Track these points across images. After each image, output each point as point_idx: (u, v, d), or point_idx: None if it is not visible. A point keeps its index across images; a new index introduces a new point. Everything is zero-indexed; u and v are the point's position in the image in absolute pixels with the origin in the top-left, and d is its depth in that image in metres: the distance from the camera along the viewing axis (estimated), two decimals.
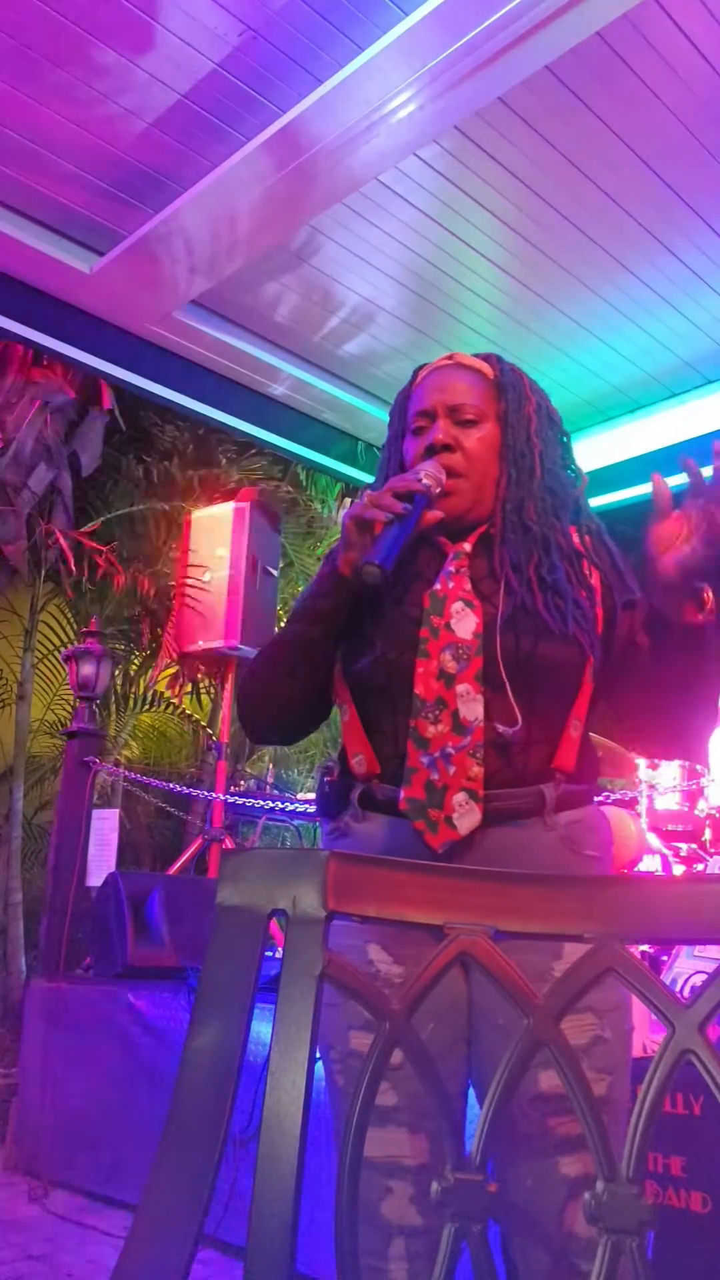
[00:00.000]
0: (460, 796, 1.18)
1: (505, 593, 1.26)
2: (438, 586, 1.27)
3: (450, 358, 1.42)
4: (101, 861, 3.95)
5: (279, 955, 0.70)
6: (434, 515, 1.27)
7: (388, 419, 1.48)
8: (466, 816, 1.18)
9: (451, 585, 1.27)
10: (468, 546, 1.32)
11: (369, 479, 4.49)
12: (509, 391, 1.38)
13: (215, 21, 2.50)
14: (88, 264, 3.31)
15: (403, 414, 1.42)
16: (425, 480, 1.25)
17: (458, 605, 1.25)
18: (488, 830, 1.19)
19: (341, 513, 7.16)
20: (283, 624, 1.39)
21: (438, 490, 1.27)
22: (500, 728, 1.21)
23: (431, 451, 1.32)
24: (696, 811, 3.54)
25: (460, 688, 1.21)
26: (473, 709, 1.21)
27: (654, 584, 1.20)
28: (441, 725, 1.20)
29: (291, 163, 2.79)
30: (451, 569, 1.29)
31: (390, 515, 1.20)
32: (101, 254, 3.30)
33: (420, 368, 1.44)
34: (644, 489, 4.46)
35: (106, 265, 3.29)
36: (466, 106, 2.63)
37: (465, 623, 1.24)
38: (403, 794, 1.20)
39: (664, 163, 2.93)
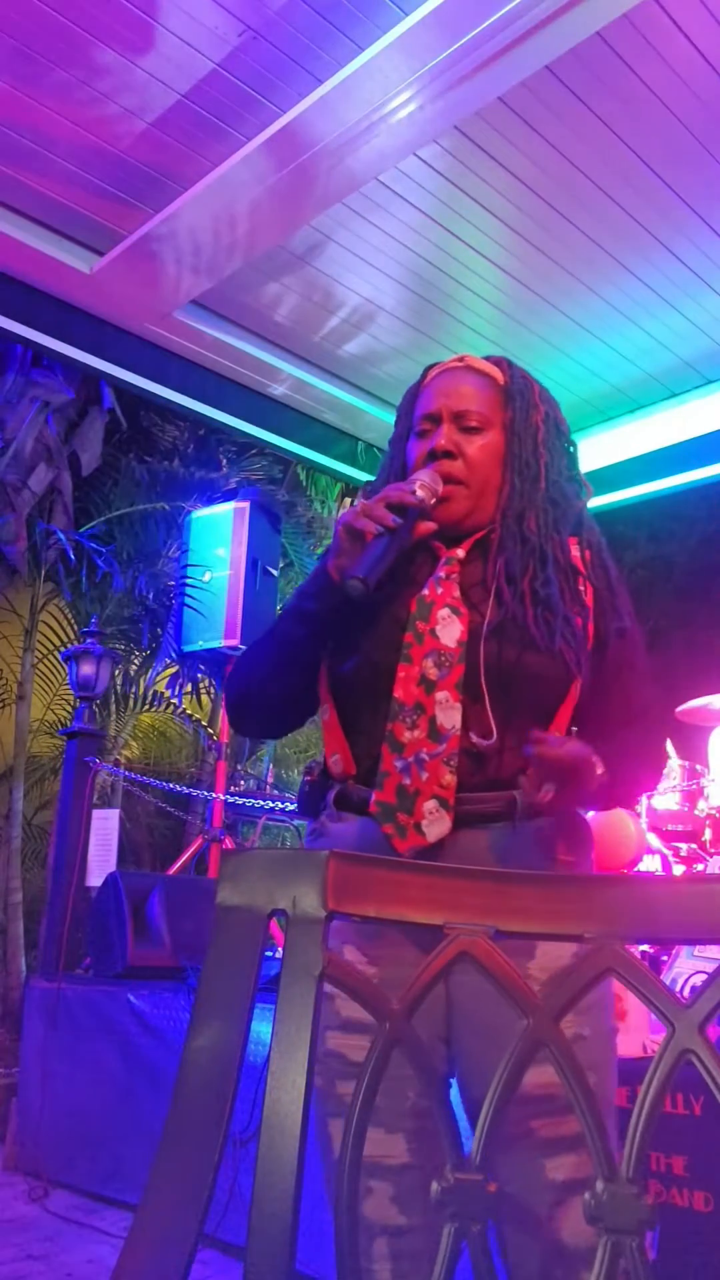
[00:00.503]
0: (431, 804, 1.18)
1: (495, 602, 1.26)
2: (426, 592, 1.27)
3: (461, 360, 1.42)
4: (101, 861, 3.95)
5: (279, 955, 0.70)
6: (427, 527, 1.27)
7: (394, 417, 1.48)
8: (436, 824, 1.18)
9: (440, 591, 1.27)
10: (461, 553, 1.31)
11: (369, 479, 4.49)
12: (517, 399, 1.37)
13: (215, 21, 2.50)
14: (88, 264, 3.31)
15: (409, 414, 1.42)
16: (419, 493, 1.25)
17: (444, 612, 1.25)
18: (456, 833, 1.19)
19: (341, 513, 7.19)
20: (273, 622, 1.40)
21: (432, 501, 1.27)
22: (476, 739, 1.21)
23: (433, 456, 1.32)
24: (696, 811, 3.54)
25: (439, 695, 1.21)
26: (450, 717, 1.20)
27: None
28: (418, 731, 1.20)
29: (292, 163, 2.78)
30: (442, 574, 1.28)
31: (380, 528, 1.20)
32: (101, 254, 3.30)
33: (431, 367, 1.44)
34: (644, 489, 4.45)
35: (106, 265, 3.29)
36: (466, 106, 2.63)
37: (450, 630, 1.24)
38: (374, 797, 1.20)
39: (664, 163, 2.93)
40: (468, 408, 1.34)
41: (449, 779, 1.18)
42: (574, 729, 1.31)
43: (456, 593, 1.27)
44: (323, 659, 1.33)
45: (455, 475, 1.31)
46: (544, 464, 1.35)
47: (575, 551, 1.34)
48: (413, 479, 1.28)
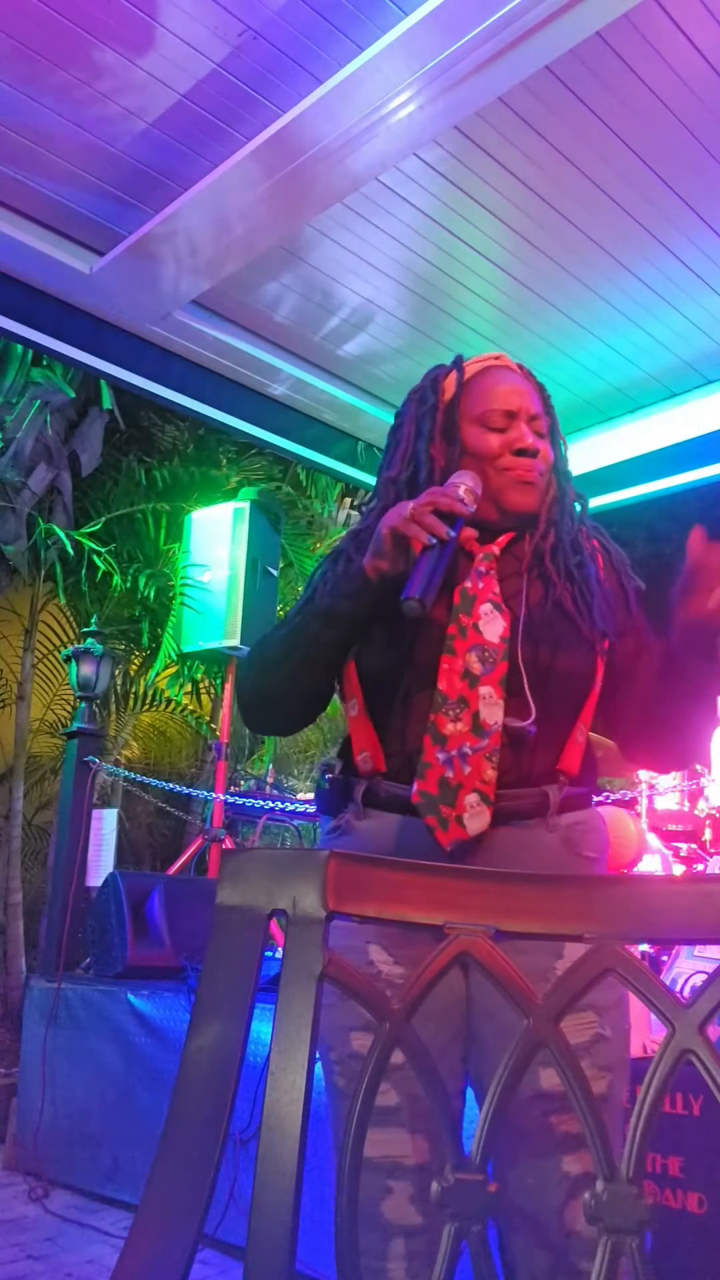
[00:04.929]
0: (473, 797, 1.19)
1: (528, 595, 1.29)
2: (468, 585, 1.28)
3: (499, 359, 1.44)
4: (101, 861, 3.95)
5: (279, 955, 0.70)
6: (470, 534, 1.27)
7: (392, 421, 1.47)
8: (477, 818, 1.18)
9: (481, 586, 1.28)
10: (497, 550, 1.33)
11: (369, 479, 4.48)
12: (548, 401, 1.43)
13: (215, 21, 2.50)
14: (88, 264, 3.31)
15: (452, 406, 1.38)
16: (466, 499, 1.23)
17: (486, 607, 1.26)
18: (493, 830, 1.20)
19: (342, 513, 7.18)
20: (289, 616, 1.39)
21: (474, 508, 1.26)
22: (515, 723, 1.22)
23: (522, 454, 1.33)
24: (696, 811, 3.54)
25: (483, 690, 1.22)
26: (493, 712, 1.21)
27: (683, 620, 1.20)
28: (461, 724, 1.21)
29: (292, 162, 2.78)
30: (481, 569, 1.30)
31: (432, 539, 1.18)
32: (101, 254, 3.30)
33: (468, 360, 1.43)
34: (644, 489, 4.44)
35: (106, 265, 3.28)
36: (466, 106, 2.62)
37: (493, 626, 1.25)
38: (416, 787, 1.20)
39: (664, 163, 2.93)
40: (538, 412, 1.39)
41: (490, 774, 1.19)
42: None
43: (496, 588, 1.28)
44: (346, 657, 1.33)
45: (540, 473, 1.35)
46: (565, 463, 1.43)
47: (591, 537, 1.41)
48: (454, 484, 1.26)
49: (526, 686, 1.23)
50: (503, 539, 1.34)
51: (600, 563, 1.38)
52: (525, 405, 1.37)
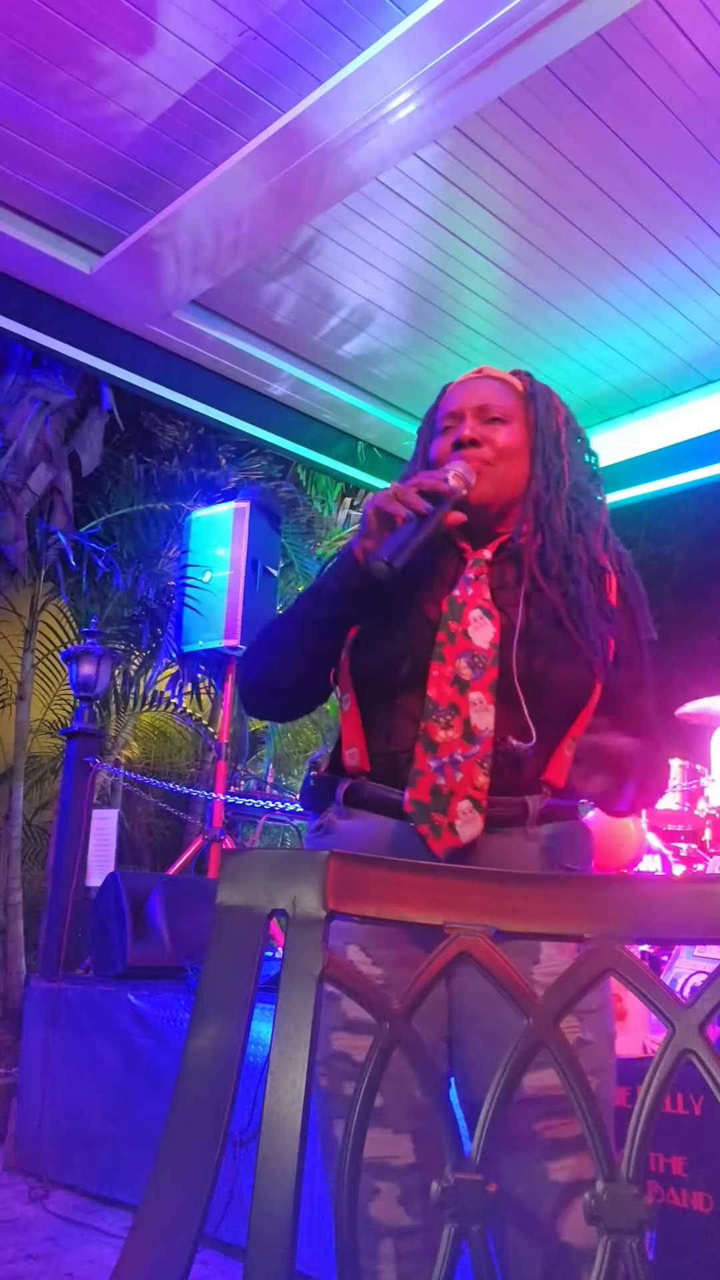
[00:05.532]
0: (465, 804, 1.18)
1: (526, 605, 1.27)
2: (457, 592, 1.27)
3: (479, 371, 1.44)
4: (101, 861, 3.95)
5: (279, 955, 0.70)
6: (457, 517, 1.26)
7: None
8: (469, 824, 1.18)
9: (471, 592, 1.27)
10: (488, 554, 1.32)
11: (369, 479, 4.49)
12: (538, 399, 1.40)
13: (215, 21, 2.50)
14: (88, 264, 3.31)
15: (430, 423, 1.43)
16: (452, 481, 1.25)
17: (475, 613, 1.25)
18: (485, 836, 1.19)
19: (342, 513, 7.18)
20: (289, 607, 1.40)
21: (464, 493, 1.27)
22: (515, 742, 1.21)
23: (459, 446, 1.32)
24: (696, 811, 3.53)
25: (473, 696, 1.21)
26: (484, 719, 1.21)
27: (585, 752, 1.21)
28: (452, 731, 1.21)
29: (291, 163, 2.78)
30: (471, 575, 1.29)
31: (410, 513, 1.19)
32: (101, 254, 3.30)
33: (448, 385, 1.46)
34: (644, 489, 4.43)
35: (106, 265, 3.29)
36: (466, 106, 2.63)
37: (483, 632, 1.24)
38: (408, 795, 1.20)
39: (664, 163, 2.93)
40: (488, 402, 1.36)
41: (482, 780, 1.19)
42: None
43: (486, 594, 1.28)
44: (343, 647, 1.32)
45: (484, 458, 1.32)
46: (567, 464, 1.37)
47: (601, 555, 1.36)
48: (445, 468, 1.28)
49: (520, 695, 1.22)
50: (493, 544, 1.33)
51: (611, 586, 1.34)
52: (471, 401, 1.36)
